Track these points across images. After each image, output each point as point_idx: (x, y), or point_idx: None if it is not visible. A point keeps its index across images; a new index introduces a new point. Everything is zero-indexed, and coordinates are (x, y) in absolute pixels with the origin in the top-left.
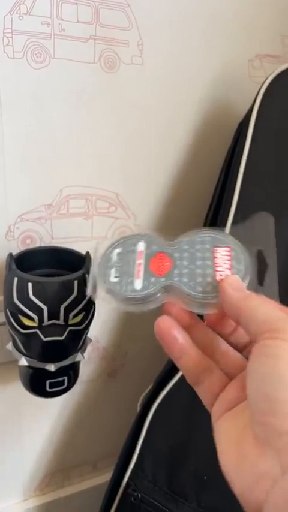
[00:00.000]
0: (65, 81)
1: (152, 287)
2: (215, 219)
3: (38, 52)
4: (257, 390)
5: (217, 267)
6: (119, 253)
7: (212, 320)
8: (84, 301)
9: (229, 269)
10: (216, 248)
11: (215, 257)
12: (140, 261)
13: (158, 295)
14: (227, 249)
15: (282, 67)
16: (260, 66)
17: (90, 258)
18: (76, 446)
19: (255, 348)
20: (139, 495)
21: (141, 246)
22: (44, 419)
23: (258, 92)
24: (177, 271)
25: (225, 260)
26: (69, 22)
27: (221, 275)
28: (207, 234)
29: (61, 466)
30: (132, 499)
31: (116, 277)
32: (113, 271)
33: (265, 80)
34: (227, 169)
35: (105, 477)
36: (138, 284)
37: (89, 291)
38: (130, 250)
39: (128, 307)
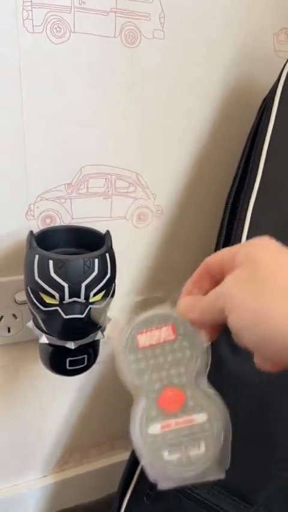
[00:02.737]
0: (85, 57)
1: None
2: (237, 197)
3: (58, 26)
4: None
5: None
6: None
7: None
8: (105, 280)
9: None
10: None
11: None
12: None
13: None
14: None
15: None
16: (285, 40)
17: (110, 236)
18: (94, 425)
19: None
20: None
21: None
22: (64, 398)
23: (284, 66)
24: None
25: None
26: None
27: None
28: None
29: (79, 445)
30: None
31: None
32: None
33: None
34: (250, 147)
35: (123, 456)
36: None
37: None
38: None
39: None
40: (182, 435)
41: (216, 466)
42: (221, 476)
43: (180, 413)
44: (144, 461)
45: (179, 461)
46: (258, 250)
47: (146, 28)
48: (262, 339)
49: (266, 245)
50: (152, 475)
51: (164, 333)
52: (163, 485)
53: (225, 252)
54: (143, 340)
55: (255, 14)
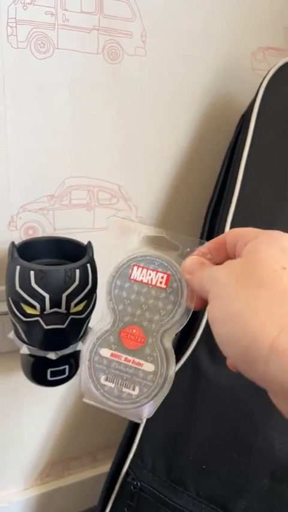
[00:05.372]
0: (68, 72)
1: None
2: (216, 210)
3: (42, 42)
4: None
5: None
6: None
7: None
8: (86, 290)
9: None
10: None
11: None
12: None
13: None
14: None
15: (285, 60)
16: (263, 59)
17: (92, 247)
18: (76, 437)
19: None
20: (138, 484)
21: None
22: (45, 410)
23: (261, 84)
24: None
25: None
26: (73, 12)
27: None
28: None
29: (61, 457)
30: (132, 487)
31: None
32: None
33: (267, 73)
34: (228, 162)
35: (105, 468)
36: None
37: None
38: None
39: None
40: (125, 371)
41: (139, 412)
42: (139, 421)
43: (134, 353)
44: (83, 373)
45: (110, 390)
46: (269, 248)
47: (128, 45)
48: (230, 337)
49: (281, 245)
50: (83, 386)
51: (158, 278)
52: (86, 399)
53: (245, 232)
54: (137, 273)
55: (234, 33)
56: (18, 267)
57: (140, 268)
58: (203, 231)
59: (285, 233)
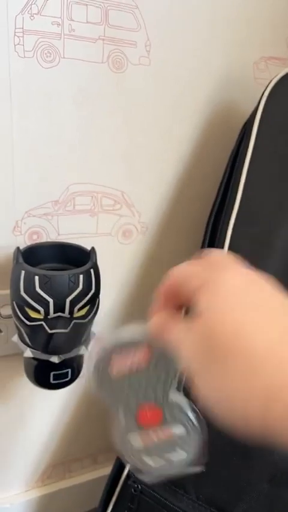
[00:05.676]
0: (74, 81)
1: None
2: (218, 216)
3: (48, 52)
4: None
5: None
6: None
7: None
8: (89, 295)
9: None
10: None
11: None
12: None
13: None
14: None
15: (287, 69)
16: (265, 68)
17: (95, 252)
18: (78, 439)
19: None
20: (139, 486)
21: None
22: (47, 412)
23: (263, 93)
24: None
25: None
26: (78, 23)
27: None
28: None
29: (63, 459)
30: (133, 490)
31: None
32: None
33: (270, 82)
34: (230, 169)
35: (106, 470)
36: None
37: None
38: None
39: None
40: (163, 446)
41: (196, 463)
42: (201, 469)
43: (160, 428)
44: (130, 467)
45: (162, 466)
46: (225, 305)
47: (132, 55)
48: (226, 415)
49: (228, 282)
50: (138, 475)
51: (139, 355)
52: (146, 479)
53: (186, 276)
54: (117, 365)
55: (236, 43)
56: (23, 272)
57: (118, 358)
58: (205, 236)
59: (230, 268)
